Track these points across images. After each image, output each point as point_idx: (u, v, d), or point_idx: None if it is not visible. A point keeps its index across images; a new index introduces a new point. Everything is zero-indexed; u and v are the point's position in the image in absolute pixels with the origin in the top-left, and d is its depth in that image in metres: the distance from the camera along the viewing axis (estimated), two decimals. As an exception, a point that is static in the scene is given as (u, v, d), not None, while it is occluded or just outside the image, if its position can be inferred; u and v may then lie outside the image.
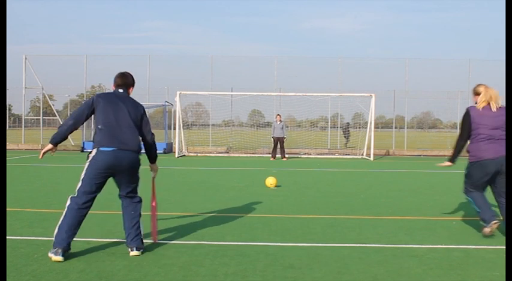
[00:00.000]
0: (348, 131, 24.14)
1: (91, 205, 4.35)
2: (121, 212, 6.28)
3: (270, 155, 17.80)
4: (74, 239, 4.77)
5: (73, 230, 4.15)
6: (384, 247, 4.67)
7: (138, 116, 4.40)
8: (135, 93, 4.74)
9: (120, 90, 4.48)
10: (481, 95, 5.18)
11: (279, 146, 17.52)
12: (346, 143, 23.88)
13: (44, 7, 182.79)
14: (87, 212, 4.31)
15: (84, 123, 4.64)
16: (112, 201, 7.22)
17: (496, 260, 4.25)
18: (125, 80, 4.53)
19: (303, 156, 19.88)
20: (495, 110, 5.10)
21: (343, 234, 5.21)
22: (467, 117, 5.19)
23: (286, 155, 18.11)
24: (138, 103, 4.52)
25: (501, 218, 5.12)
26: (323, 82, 48.51)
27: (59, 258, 3.98)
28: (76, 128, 4.38)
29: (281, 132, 17.40)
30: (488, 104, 5.13)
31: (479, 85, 5.29)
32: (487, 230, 5.05)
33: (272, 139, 17.80)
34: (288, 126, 22.17)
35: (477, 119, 5.11)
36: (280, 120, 17.66)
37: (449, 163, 5.50)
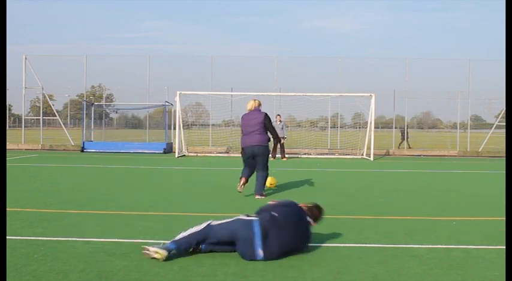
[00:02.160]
0: (407, 132, 24.48)
1: None
2: (120, 212, 6.30)
3: (270, 155, 17.80)
4: (74, 239, 4.80)
5: None
6: (383, 247, 4.67)
7: None
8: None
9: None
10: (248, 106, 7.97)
11: (278, 146, 17.53)
12: (401, 143, 24.19)
13: (44, 7, 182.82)
14: None
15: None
16: (112, 201, 7.23)
17: (496, 260, 4.25)
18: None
19: (303, 156, 19.88)
20: (250, 113, 7.92)
21: (343, 234, 5.20)
22: (241, 119, 8.08)
23: (286, 155, 18.11)
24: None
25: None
26: (323, 82, 48.37)
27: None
28: None
29: (281, 132, 17.40)
30: (253, 110, 7.95)
31: (252, 99, 8.14)
32: (238, 188, 7.85)
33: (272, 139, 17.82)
34: (288, 126, 22.15)
35: (243, 121, 8.00)
36: (280, 121, 17.70)
37: None
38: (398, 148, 23.31)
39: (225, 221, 4.30)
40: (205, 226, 4.20)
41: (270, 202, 4.71)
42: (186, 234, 4.16)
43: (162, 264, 3.97)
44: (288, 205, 4.51)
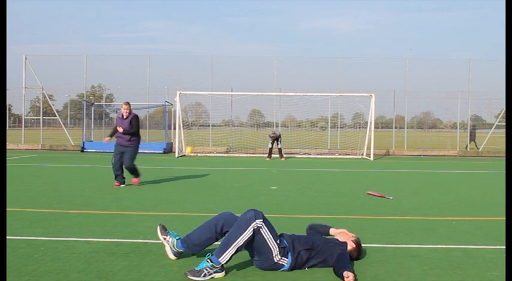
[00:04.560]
0: (474, 134, 24.32)
1: None
2: (120, 212, 6.30)
3: (267, 155, 17.85)
4: (74, 239, 4.80)
5: None
6: (384, 247, 4.67)
7: None
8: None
9: None
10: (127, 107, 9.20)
11: (275, 146, 17.59)
12: (468, 145, 24.03)
13: (44, 7, 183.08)
14: None
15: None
16: (112, 201, 7.23)
17: (496, 260, 4.25)
18: None
19: (302, 156, 19.88)
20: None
21: (343, 234, 5.19)
22: (138, 119, 9.32)
23: (285, 155, 18.13)
24: None
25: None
26: (323, 82, 48.43)
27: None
28: None
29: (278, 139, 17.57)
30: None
31: (126, 103, 9.27)
32: (136, 180, 9.21)
33: (270, 143, 17.81)
34: (287, 127, 22.14)
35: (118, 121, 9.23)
36: (274, 136, 17.57)
37: (109, 138, 9.77)
38: (466, 149, 23.06)
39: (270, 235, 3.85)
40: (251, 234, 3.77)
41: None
42: (233, 248, 3.72)
43: (162, 264, 3.97)
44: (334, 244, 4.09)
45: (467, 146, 23.83)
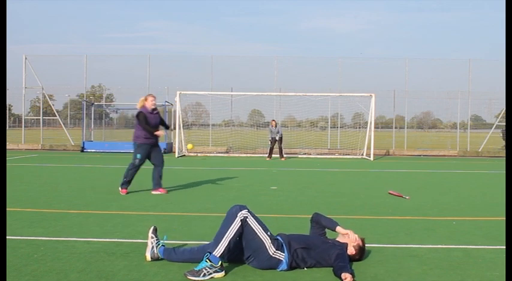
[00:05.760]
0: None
1: None
2: (120, 212, 6.30)
3: (267, 155, 17.87)
4: (74, 239, 4.80)
5: None
6: (384, 247, 4.67)
7: None
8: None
9: None
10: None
11: (276, 146, 17.64)
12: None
13: (44, 7, 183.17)
14: None
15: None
16: (112, 201, 7.23)
17: (496, 260, 4.25)
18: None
19: (302, 156, 19.88)
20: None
21: (343, 234, 5.19)
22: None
23: (285, 155, 18.13)
24: None
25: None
26: (323, 82, 48.50)
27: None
28: None
29: (277, 135, 17.59)
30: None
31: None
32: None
33: (269, 141, 17.90)
34: (287, 127, 22.15)
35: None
36: (275, 125, 17.79)
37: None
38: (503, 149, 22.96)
39: (259, 230, 3.90)
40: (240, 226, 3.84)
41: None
42: (225, 240, 3.79)
43: (162, 264, 3.97)
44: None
45: (503, 146, 23.78)
